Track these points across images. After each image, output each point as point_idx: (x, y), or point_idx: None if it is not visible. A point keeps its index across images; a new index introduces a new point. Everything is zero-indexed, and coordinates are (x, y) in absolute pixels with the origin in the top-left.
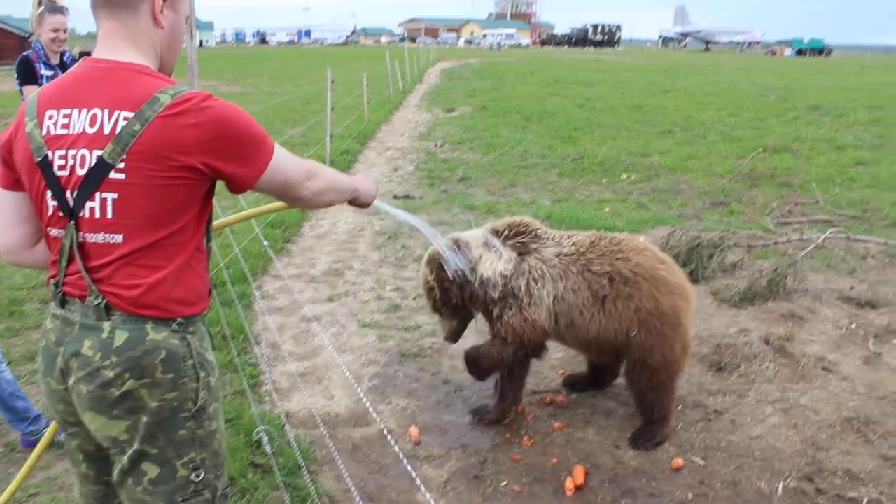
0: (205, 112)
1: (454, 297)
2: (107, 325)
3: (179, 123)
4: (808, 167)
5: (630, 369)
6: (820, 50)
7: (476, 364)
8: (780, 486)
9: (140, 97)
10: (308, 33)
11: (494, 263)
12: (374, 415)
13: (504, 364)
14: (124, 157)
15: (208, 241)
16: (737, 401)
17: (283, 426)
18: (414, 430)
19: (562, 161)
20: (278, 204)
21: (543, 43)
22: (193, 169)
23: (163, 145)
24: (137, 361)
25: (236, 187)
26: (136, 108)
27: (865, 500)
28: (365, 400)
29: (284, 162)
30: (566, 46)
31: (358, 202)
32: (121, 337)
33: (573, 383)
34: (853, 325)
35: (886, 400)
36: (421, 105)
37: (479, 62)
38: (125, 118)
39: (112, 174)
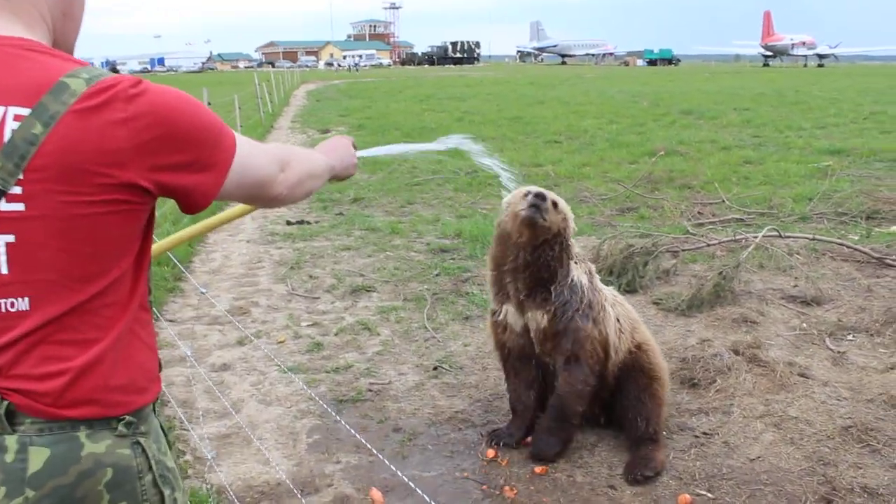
0: (139, 101)
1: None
2: (12, 440)
3: (104, 120)
4: (702, 168)
5: (624, 379)
6: (669, 60)
7: (566, 411)
8: None
9: (37, 84)
10: (161, 61)
11: (578, 269)
12: (321, 481)
13: (588, 390)
14: (20, 176)
15: (149, 291)
16: (723, 419)
17: None
18: (376, 494)
19: (454, 176)
20: (236, 209)
21: (404, 62)
22: (132, 188)
23: (82, 155)
24: (69, 493)
25: (193, 203)
26: (32, 101)
27: None
28: (308, 463)
29: (252, 155)
30: (427, 65)
31: (339, 178)
32: (38, 458)
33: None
34: (804, 325)
35: (876, 403)
36: (294, 126)
37: (343, 83)
38: (16, 117)
39: (2, 205)
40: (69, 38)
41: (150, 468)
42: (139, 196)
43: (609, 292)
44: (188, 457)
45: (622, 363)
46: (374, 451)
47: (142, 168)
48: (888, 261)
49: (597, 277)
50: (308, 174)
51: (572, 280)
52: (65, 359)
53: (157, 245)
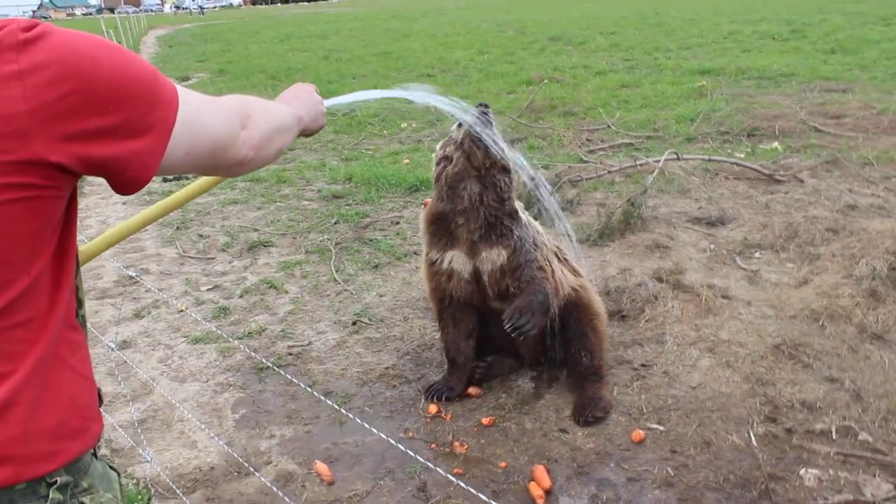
0: (36, 48)
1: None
2: None
3: None
4: (582, 94)
5: (566, 316)
6: None
7: (535, 307)
8: (752, 434)
9: None
10: None
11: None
12: (258, 459)
13: (548, 304)
14: None
15: (80, 304)
16: (657, 349)
17: (149, 500)
18: (321, 466)
19: (332, 117)
20: (195, 186)
21: (255, 2)
22: (39, 166)
23: None
24: None
25: (130, 180)
26: None
27: (834, 430)
28: (238, 442)
29: (201, 111)
30: (280, 3)
31: (308, 132)
32: None
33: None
34: (713, 246)
35: (799, 319)
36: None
37: (195, 26)
38: None
39: None
40: None
41: None
42: (50, 176)
43: (540, 227)
44: (104, 451)
45: (565, 300)
46: (310, 424)
47: (50, 137)
48: (777, 176)
49: (526, 213)
50: (275, 128)
51: (522, 217)
52: None
53: (93, 243)
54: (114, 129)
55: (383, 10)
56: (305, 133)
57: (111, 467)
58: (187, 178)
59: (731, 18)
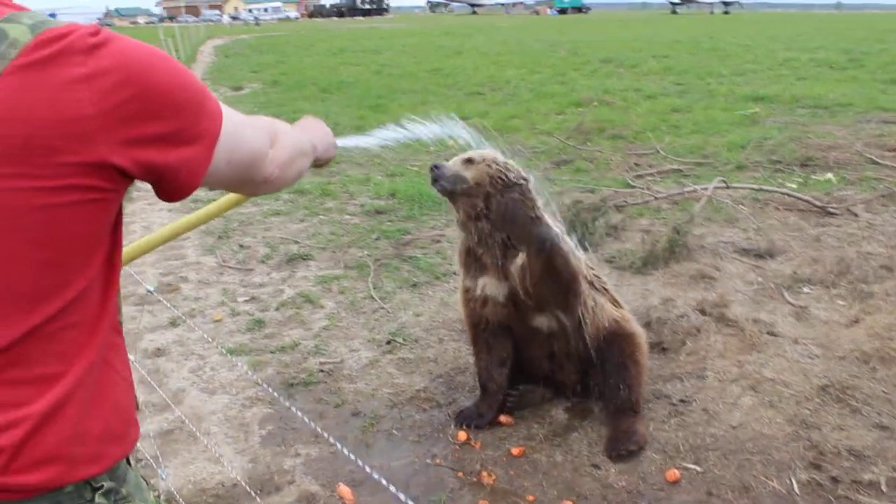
0: (102, 53)
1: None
2: None
3: (60, 79)
4: (632, 118)
5: (606, 346)
6: (579, 8)
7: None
8: (794, 481)
9: None
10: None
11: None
12: (281, 478)
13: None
14: None
15: (118, 309)
16: (698, 384)
17: None
18: (345, 490)
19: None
20: (225, 201)
21: (311, 15)
22: (103, 169)
23: (31, 126)
24: None
25: (179, 187)
26: None
27: (884, 481)
28: (263, 459)
29: (239, 124)
30: (335, 17)
31: (320, 161)
32: None
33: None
34: (760, 279)
35: (848, 360)
36: (204, 84)
37: (252, 37)
38: None
39: None
40: None
41: None
42: (112, 180)
43: (579, 255)
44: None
45: (604, 331)
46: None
47: (114, 141)
48: (830, 209)
49: (567, 238)
50: (298, 151)
51: (543, 217)
52: (18, 404)
53: (127, 249)
54: (169, 135)
55: (437, 27)
56: (317, 163)
57: (144, 479)
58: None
59: (786, 45)
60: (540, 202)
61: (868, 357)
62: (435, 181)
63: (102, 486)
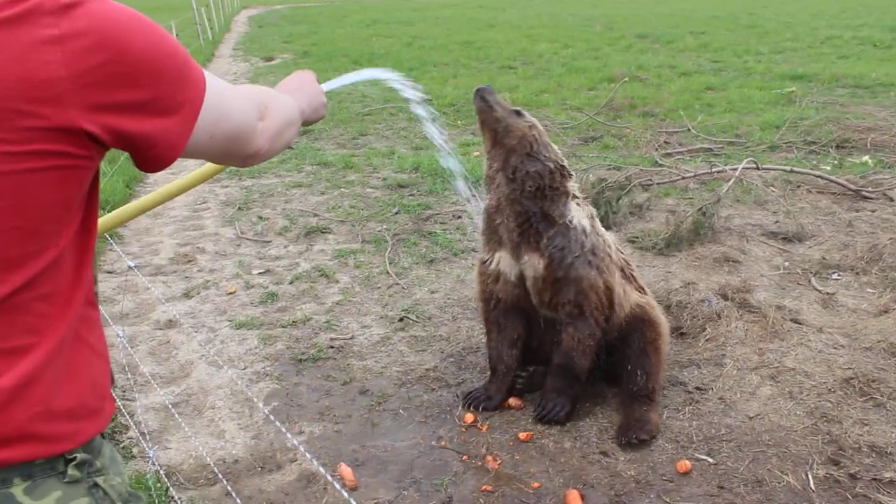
0: (75, 14)
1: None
2: None
3: (29, 38)
4: (664, 95)
5: (629, 332)
6: None
7: (574, 369)
8: (810, 477)
9: None
10: None
11: (579, 211)
12: (283, 456)
13: (594, 345)
14: None
15: (94, 281)
16: (716, 372)
17: (167, 490)
18: (346, 470)
19: (407, 105)
20: (201, 171)
21: None
22: (73, 134)
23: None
24: None
25: (155, 158)
26: None
27: None
28: (267, 436)
29: (225, 96)
30: None
31: (307, 123)
32: None
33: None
34: (787, 264)
35: (874, 351)
36: (236, 55)
37: (286, 8)
38: None
39: None
40: None
41: None
42: (83, 146)
43: (611, 239)
44: (132, 433)
45: (627, 317)
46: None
47: (85, 106)
48: (865, 193)
49: (598, 222)
50: (287, 121)
51: (571, 221)
52: None
53: (103, 220)
54: (145, 103)
55: None
56: (305, 124)
57: (116, 451)
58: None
59: (829, 23)
60: (571, 205)
61: None
62: (479, 92)
63: (76, 457)
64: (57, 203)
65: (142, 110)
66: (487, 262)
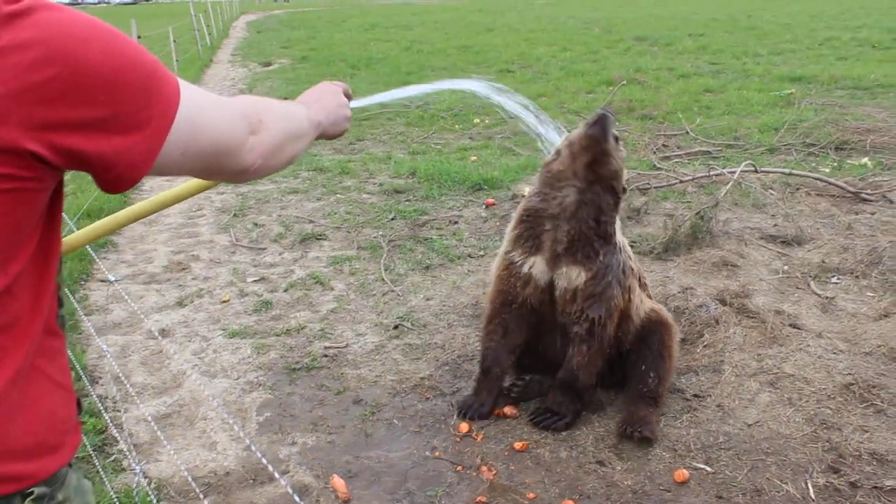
0: (22, 24)
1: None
2: None
3: None
4: (662, 98)
5: (647, 334)
6: None
7: (579, 385)
8: (810, 485)
9: None
10: None
11: (619, 228)
12: (275, 468)
13: (601, 363)
14: None
15: (60, 303)
16: (714, 379)
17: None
18: (338, 481)
19: (405, 109)
20: (187, 186)
21: None
22: (15, 154)
23: None
24: None
25: (116, 179)
26: None
27: None
28: (258, 447)
29: (205, 109)
30: None
31: (327, 136)
32: None
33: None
34: (786, 267)
35: (874, 356)
36: (234, 60)
37: (285, 13)
38: None
39: None
40: None
41: None
42: (30, 168)
43: (628, 246)
44: (122, 445)
45: (643, 321)
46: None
47: (29, 124)
48: (864, 195)
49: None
50: (287, 135)
51: (617, 241)
52: None
53: (74, 236)
54: (101, 121)
55: (471, 2)
56: (325, 137)
57: (86, 477)
58: None
59: (828, 24)
60: (619, 223)
61: None
62: (601, 126)
63: (33, 492)
64: (5, 228)
65: (99, 128)
66: (519, 264)
